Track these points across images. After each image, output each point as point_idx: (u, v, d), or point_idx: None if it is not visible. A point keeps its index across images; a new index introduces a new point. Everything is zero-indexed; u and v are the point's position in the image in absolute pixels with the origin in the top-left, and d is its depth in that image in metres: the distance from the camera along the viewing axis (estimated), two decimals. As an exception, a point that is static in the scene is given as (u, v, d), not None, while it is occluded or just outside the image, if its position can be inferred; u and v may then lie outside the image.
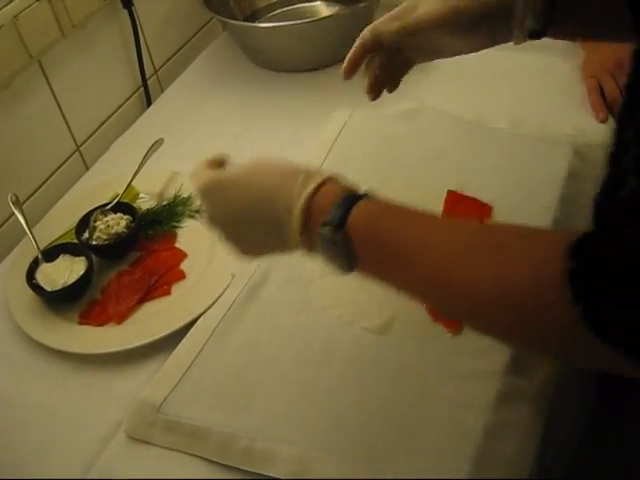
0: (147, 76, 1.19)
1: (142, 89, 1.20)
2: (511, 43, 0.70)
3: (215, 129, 1.07)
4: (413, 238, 0.51)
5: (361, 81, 0.75)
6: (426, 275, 0.50)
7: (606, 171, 0.41)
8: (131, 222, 0.89)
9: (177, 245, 0.89)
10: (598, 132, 0.92)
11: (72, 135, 1.07)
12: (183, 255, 0.87)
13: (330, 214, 0.52)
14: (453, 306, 0.51)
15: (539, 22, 0.67)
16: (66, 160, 1.06)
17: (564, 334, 0.44)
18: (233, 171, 0.61)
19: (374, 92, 0.76)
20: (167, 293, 0.83)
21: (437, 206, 0.85)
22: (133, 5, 1.12)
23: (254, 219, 0.58)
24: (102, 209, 0.90)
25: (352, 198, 0.53)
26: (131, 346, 0.76)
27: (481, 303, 0.47)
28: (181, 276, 0.85)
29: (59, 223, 0.93)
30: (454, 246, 0.49)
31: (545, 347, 0.49)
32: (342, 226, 0.52)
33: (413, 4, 0.70)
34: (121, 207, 0.90)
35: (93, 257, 0.85)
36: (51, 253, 0.85)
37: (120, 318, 0.80)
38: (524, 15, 0.66)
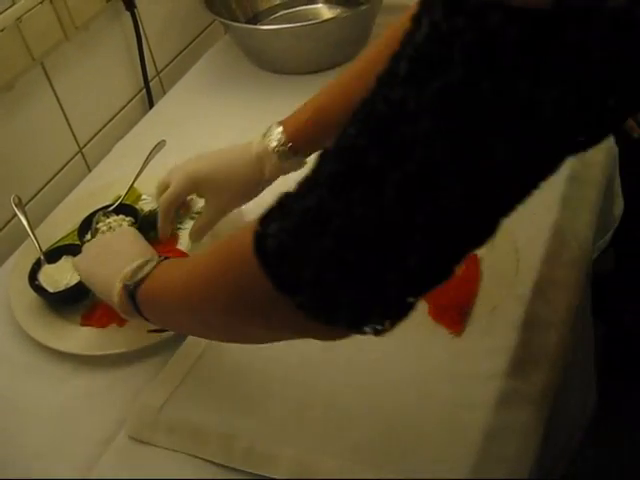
0: (149, 78, 1.19)
1: (144, 91, 1.20)
2: None
3: (217, 131, 1.08)
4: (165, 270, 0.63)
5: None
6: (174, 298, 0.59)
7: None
8: (133, 224, 0.89)
9: (179, 247, 0.89)
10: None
11: (74, 137, 1.07)
12: (185, 257, 0.87)
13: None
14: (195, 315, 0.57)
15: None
16: (68, 162, 1.07)
17: (262, 298, 0.46)
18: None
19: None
20: (169, 294, 0.83)
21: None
22: (135, 7, 1.12)
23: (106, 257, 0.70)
24: (104, 211, 0.90)
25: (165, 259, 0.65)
26: (133, 348, 0.76)
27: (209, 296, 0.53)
28: (183, 277, 0.84)
29: (61, 225, 0.93)
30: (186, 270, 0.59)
31: (256, 319, 0.51)
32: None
33: (195, 173, 0.81)
34: (123, 209, 0.91)
35: (95, 258, 0.85)
36: (53, 254, 0.85)
37: (122, 320, 0.80)
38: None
